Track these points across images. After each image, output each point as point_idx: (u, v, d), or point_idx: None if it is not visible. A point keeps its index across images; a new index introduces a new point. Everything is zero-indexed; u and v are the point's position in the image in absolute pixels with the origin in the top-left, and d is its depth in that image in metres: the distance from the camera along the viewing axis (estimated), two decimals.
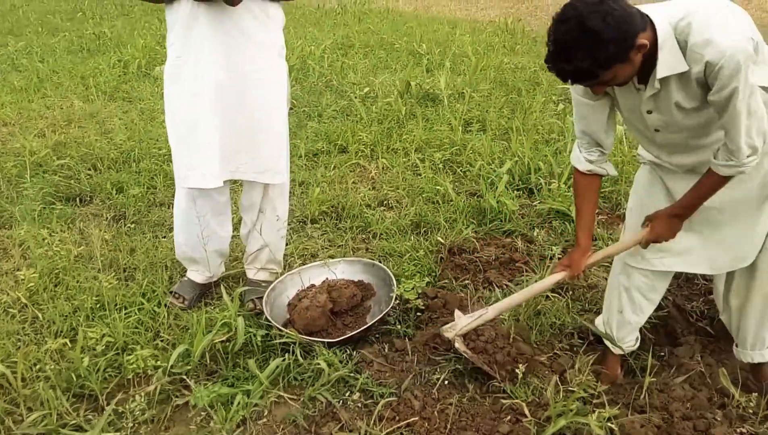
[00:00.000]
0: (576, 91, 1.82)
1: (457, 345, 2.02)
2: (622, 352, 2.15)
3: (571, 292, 2.54)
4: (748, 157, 1.63)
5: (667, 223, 1.86)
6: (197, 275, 2.58)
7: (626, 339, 2.14)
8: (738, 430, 1.88)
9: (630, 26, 1.48)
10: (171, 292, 2.55)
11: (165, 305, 2.45)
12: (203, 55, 2.11)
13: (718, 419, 1.91)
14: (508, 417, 1.89)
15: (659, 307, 2.48)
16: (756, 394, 2.00)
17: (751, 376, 2.15)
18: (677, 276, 2.65)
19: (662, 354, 2.30)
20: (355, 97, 5.28)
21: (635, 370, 2.15)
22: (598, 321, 2.24)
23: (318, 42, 7.78)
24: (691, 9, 1.55)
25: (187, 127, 2.21)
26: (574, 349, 2.28)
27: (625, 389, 2.04)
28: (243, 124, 2.23)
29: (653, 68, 1.59)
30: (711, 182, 1.75)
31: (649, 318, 2.38)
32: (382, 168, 3.87)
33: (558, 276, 2.00)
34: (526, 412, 1.87)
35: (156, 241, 3.01)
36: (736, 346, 2.17)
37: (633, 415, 1.90)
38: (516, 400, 1.92)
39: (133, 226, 3.20)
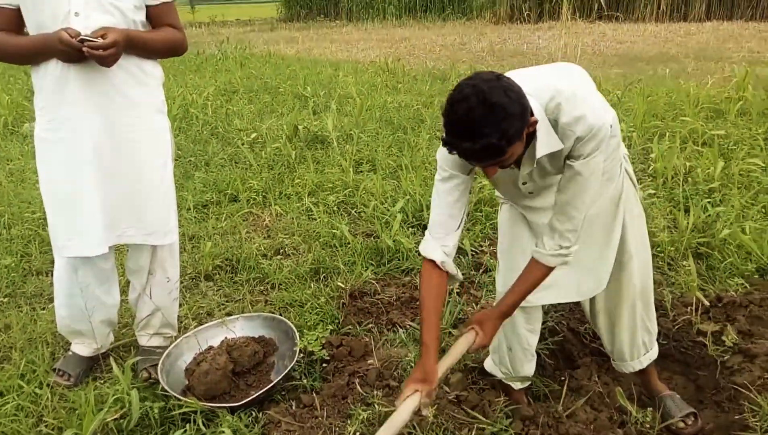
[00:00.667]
0: (447, 170, 1.74)
1: None
2: (525, 385, 2.20)
3: None
4: (574, 243, 1.74)
5: (495, 325, 1.86)
6: (83, 348, 2.39)
7: (524, 369, 2.19)
8: None
9: (526, 102, 1.50)
10: (54, 370, 2.34)
11: (48, 385, 2.24)
12: (78, 119, 1.99)
13: None
14: None
15: (555, 332, 2.59)
16: (651, 408, 2.11)
17: (641, 383, 2.28)
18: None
19: (562, 378, 2.38)
20: (243, 144, 5.20)
21: (542, 395, 2.21)
22: (488, 364, 2.26)
23: (200, 89, 7.63)
24: (559, 89, 1.61)
25: (65, 194, 2.06)
26: (480, 383, 2.31)
27: (536, 420, 2.07)
28: (125, 186, 2.11)
29: (528, 148, 1.64)
30: (539, 274, 1.80)
31: (547, 343, 2.49)
32: (276, 215, 3.80)
33: (414, 401, 1.70)
34: None
35: (34, 315, 2.77)
36: (613, 360, 2.28)
37: None
38: None
39: (6, 299, 2.93)
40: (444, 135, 1.52)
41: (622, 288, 2.09)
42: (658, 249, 3.08)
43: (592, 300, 2.16)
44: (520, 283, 1.82)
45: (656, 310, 2.22)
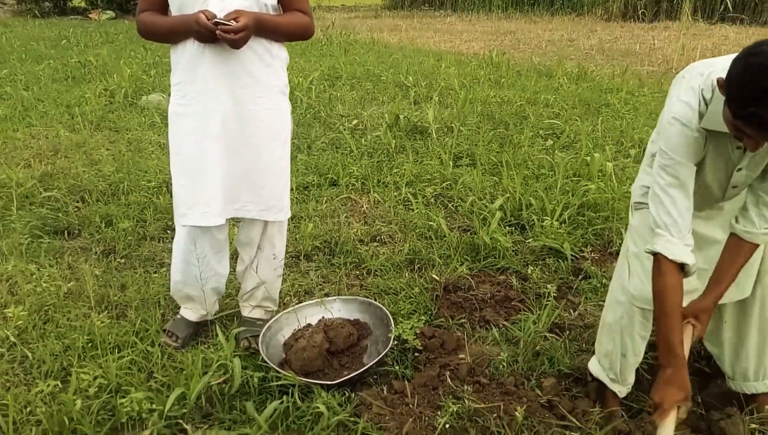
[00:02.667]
0: (679, 160, 1.68)
1: None
2: (625, 394, 2.16)
3: (568, 332, 2.54)
4: None
5: (709, 314, 1.85)
6: (191, 313, 2.54)
7: (628, 380, 2.15)
8: None
9: None
10: (164, 331, 2.50)
11: (158, 344, 2.41)
12: (209, 95, 2.12)
13: None
14: None
15: (653, 347, 2.50)
16: None
17: (754, 408, 2.17)
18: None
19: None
20: (344, 130, 5.31)
21: (635, 411, 2.15)
22: (594, 364, 2.24)
23: (305, 73, 7.84)
24: None
25: (193, 165, 2.20)
26: (573, 390, 2.27)
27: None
28: (247, 162, 2.23)
29: None
30: (748, 254, 1.79)
31: (646, 358, 2.41)
32: (374, 202, 3.87)
33: (674, 419, 1.66)
34: None
35: (147, 277, 2.96)
36: (732, 379, 2.20)
37: None
38: None
39: (123, 260, 3.15)
40: (737, 104, 1.44)
41: (756, 301, 2.03)
42: None
43: (721, 312, 2.10)
44: (727, 265, 1.78)
45: None
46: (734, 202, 1.96)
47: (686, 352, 1.76)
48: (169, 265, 2.62)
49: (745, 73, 1.41)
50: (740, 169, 1.76)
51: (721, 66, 1.64)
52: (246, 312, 2.57)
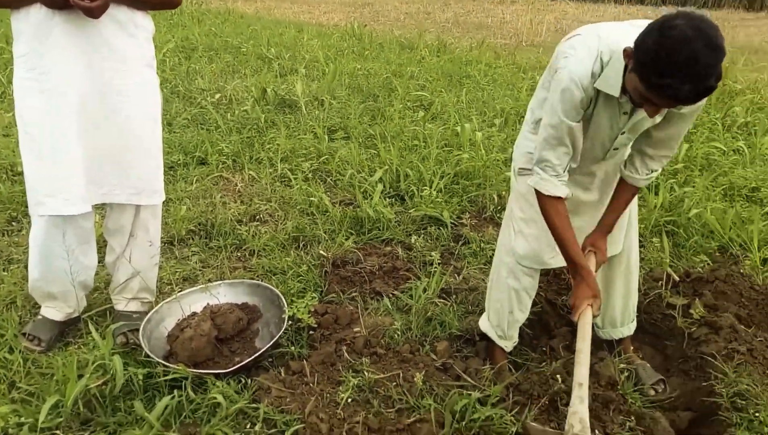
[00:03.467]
0: (569, 117, 1.79)
1: None
2: (511, 349, 2.27)
3: (455, 296, 2.61)
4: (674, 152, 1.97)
5: (605, 241, 2.06)
6: (55, 312, 2.29)
7: (514, 336, 2.27)
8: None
9: None
10: (24, 335, 2.24)
11: (19, 351, 2.14)
12: (63, 68, 1.88)
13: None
14: (418, 425, 1.89)
15: (534, 304, 2.64)
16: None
17: (619, 352, 2.39)
18: (545, 273, 2.85)
19: (543, 347, 2.44)
20: (207, 104, 5.04)
21: (522, 363, 2.27)
22: (483, 322, 2.34)
23: (157, 45, 7.31)
24: None
25: (47, 146, 1.95)
26: (464, 351, 2.35)
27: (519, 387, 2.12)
28: (113, 142, 2.02)
29: None
30: (630, 196, 2.03)
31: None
32: (249, 179, 3.72)
33: (590, 314, 1.91)
34: (432, 418, 1.88)
35: None
36: (602, 328, 2.40)
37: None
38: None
39: None
40: (651, 75, 1.51)
41: (623, 254, 2.22)
42: None
43: None
44: (616, 204, 2.02)
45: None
46: (609, 168, 2.09)
47: (594, 271, 1.99)
48: (20, 260, 2.34)
49: (661, 45, 1.47)
50: (624, 132, 1.88)
51: (614, 31, 1.74)
52: (121, 306, 2.37)
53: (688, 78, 1.45)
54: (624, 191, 2.03)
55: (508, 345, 2.29)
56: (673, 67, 1.46)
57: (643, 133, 1.92)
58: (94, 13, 1.82)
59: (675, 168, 3.96)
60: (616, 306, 2.35)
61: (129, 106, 2.03)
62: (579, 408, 1.76)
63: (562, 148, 1.84)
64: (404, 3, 14.24)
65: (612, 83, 1.72)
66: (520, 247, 2.13)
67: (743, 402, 2.05)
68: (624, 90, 1.72)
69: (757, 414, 1.98)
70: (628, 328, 2.41)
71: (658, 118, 1.83)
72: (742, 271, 2.82)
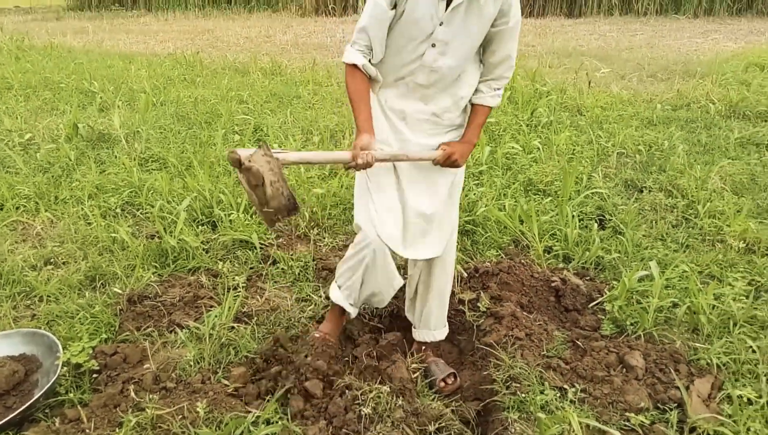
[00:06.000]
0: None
1: (248, 163, 1.84)
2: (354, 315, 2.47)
3: (256, 318, 2.63)
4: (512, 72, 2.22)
5: (466, 150, 2.23)
6: None
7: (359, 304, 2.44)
8: None
9: None
10: None
11: None
12: None
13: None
14: None
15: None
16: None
17: (417, 352, 2.54)
18: None
19: (346, 357, 2.52)
20: (12, 147, 4.72)
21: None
22: (336, 295, 2.43)
23: None
24: None
25: None
26: (259, 372, 2.37)
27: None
28: None
29: None
30: (485, 116, 2.25)
31: None
32: (49, 222, 3.53)
33: (346, 154, 2.05)
34: None
35: None
36: (417, 329, 2.55)
37: None
38: None
39: None
40: None
41: (445, 257, 2.38)
42: None
43: (419, 267, 2.46)
44: (475, 122, 2.24)
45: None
46: (442, 105, 2.21)
47: (440, 161, 2.19)
48: None
49: None
50: (442, 23, 2.01)
51: None
52: None
53: None
54: (476, 114, 2.24)
55: (354, 312, 2.45)
56: None
57: (488, 52, 2.15)
58: None
59: (480, 170, 4.26)
60: (433, 309, 2.48)
61: None
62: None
63: (368, 25, 2.06)
64: (245, 27, 14.17)
65: None
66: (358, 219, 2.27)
67: (516, 385, 2.23)
68: None
69: (524, 395, 2.16)
70: (441, 333, 2.56)
71: (475, 26, 2.03)
72: (523, 261, 3.08)
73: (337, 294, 2.41)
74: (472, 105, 2.26)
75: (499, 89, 2.23)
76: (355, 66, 2.11)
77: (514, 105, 5.92)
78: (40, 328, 2.46)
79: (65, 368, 2.20)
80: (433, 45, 2.07)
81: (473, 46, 2.10)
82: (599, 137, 4.87)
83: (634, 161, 4.45)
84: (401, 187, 2.23)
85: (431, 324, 2.53)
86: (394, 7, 2.05)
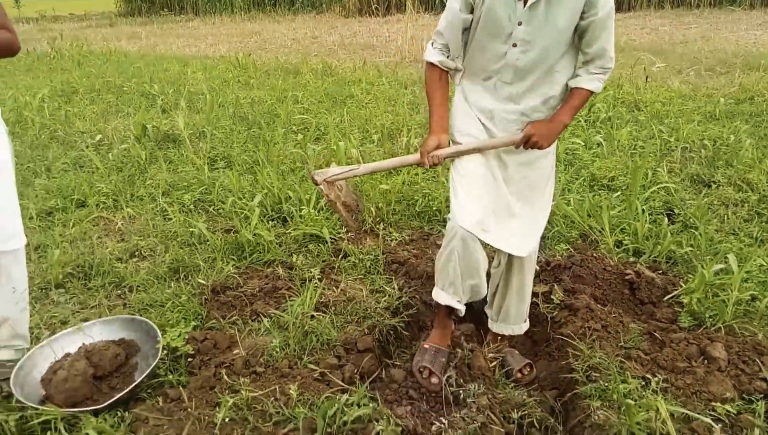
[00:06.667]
0: (456, 3, 2.10)
1: (322, 187, 2.33)
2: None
3: (333, 308, 2.72)
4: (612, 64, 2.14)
5: (553, 130, 2.15)
6: None
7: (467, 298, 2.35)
8: None
9: None
10: None
11: None
12: None
13: None
14: (289, 433, 1.97)
15: (409, 306, 2.80)
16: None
17: (492, 343, 2.58)
18: (420, 276, 3.02)
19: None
20: (87, 147, 4.95)
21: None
22: (439, 294, 2.33)
23: (33, 91, 7.10)
24: None
25: None
26: (342, 359, 2.45)
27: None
28: None
29: None
30: (580, 101, 2.16)
31: (402, 317, 2.70)
32: (129, 217, 3.70)
33: (414, 158, 2.25)
34: (300, 426, 1.97)
35: None
36: (495, 321, 2.59)
37: None
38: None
39: None
40: None
41: (526, 258, 2.39)
42: None
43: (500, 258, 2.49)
44: (570, 103, 2.17)
45: None
46: (531, 104, 2.19)
47: (520, 142, 2.17)
48: None
49: None
50: (521, 23, 2.02)
51: None
52: None
53: None
54: (573, 96, 2.17)
55: (463, 310, 2.33)
56: None
57: (582, 42, 2.10)
58: None
59: None
60: (512, 305, 2.52)
61: None
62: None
63: (442, 29, 2.16)
64: (291, 29, 14.41)
65: None
66: (452, 210, 2.23)
67: (597, 374, 2.26)
68: None
69: (606, 384, 2.19)
70: (519, 328, 2.59)
71: (561, 20, 2.00)
72: (595, 255, 3.09)
73: (442, 296, 2.31)
74: (570, 89, 2.19)
75: (598, 73, 2.13)
76: (433, 64, 2.23)
77: None
78: (133, 314, 2.59)
79: (164, 352, 2.32)
80: (515, 45, 2.07)
81: (561, 41, 2.05)
82: (661, 132, 4.82)
83: (699, 156, 4.39)
84: (495, 176, 2.24)
85: (510, 319, 2.57)
86: (471, 11, 2.09)
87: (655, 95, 6.06)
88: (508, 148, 2.23)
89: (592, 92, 2.16)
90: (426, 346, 2.42)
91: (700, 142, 4.62)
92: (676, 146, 4.56)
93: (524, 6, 2.00)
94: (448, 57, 2.22)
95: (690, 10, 14.78)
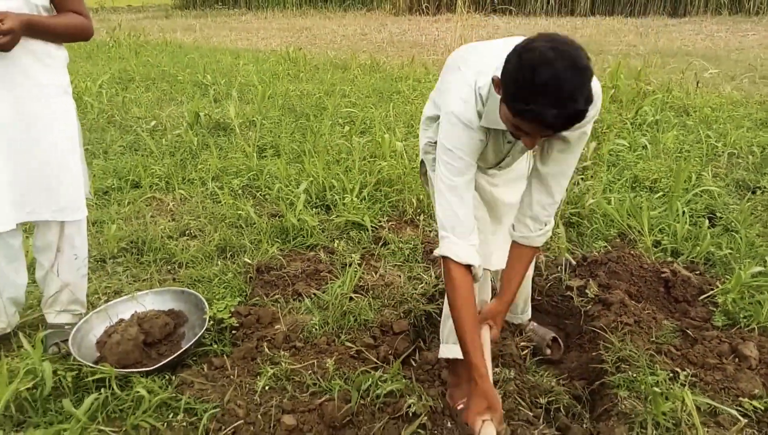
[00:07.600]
0: (464, 158, 1.70)
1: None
2: None
3: (371, 291, 2.82)
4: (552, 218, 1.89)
5: (503, 315, 1.98)
6: None
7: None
8: None
9: None
10: None
11: None
12: None
13: None
14: (327, 404, 2.08)
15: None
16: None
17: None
18: None
19: None
20: (142, 131, 5.17)
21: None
22: (445, 349, 2.18)
23: (93, 77, 7.41)
24: None
25: None
26: (377, 339, 2.55)
27: None
28: (35, 164, 2.17)
29: None
30: (530, 256, 1.95)
31: (438, 303, 2.78)
32: (180, 199, 3.87)
33: (491, 430, 1.64)
34: (335, 396, 2.08)
35: None
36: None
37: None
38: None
39: None
40: (515, 102, 1.43)
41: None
42: None
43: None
44: (513, 273, 1.91)
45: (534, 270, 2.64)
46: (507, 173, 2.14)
47: (487, 355, 1.80)
48: None
49: (520, 70, 1.39)
50: (508, 156, 1.94)
51: (490, 59, 1.68)
52: (51, 318, 2.49)
53: (553, 102, 1.37)
54: (520, 257, 1.92)
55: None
56: (535, 91, 1.37)
57: (542, 164, 1.82)
58: (4, 47, 1.98)
59: (584, 165, 4.28)
60: (519, 299, 2.59)
61: (49, 131, 2.18)
62: None
63: (463, 193, 1.73)
64: (341, 26, 14.59)
65: (495, 117, 1.65)
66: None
67: (626, 366, 2.30)
68: None
69: (635, 375, 2.23)
70: (527, 315, 2.68)
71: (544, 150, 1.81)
72: (632, 253, 3.11)
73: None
74: (513, 243, 1.96)
75: (547, 224, 1.91)
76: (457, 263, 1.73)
77: (618, 104, 5.86)
78: (182, 287, 2.74)
79: (210, 323, 2.46)
80: (500, 168, 2.06)
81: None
82: (708, 137, 4.76)
83: (746, 162, 4.33)
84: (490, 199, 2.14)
85: (518, 309, 2.64)
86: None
87: (705, 100, 5.96)
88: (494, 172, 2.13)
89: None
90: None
91: (748, 148, 4.55)
92: (723, 151, 4.51)
93: (512, 146, 1.86)
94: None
95: (749, 17, 14.36)
